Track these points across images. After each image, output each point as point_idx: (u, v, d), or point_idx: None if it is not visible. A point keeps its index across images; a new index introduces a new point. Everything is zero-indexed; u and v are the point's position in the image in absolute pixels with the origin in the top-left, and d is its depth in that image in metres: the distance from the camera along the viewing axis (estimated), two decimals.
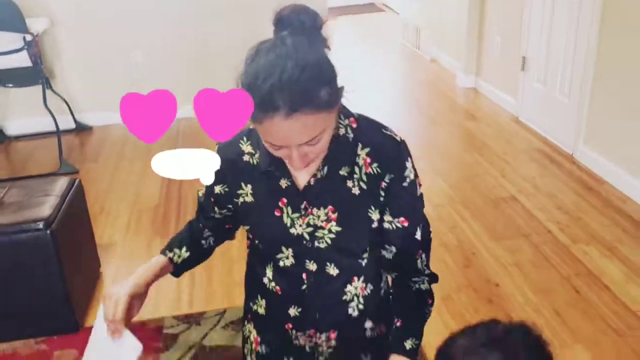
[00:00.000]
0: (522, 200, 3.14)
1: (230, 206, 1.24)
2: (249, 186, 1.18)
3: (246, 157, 1.18)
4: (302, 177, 1.15)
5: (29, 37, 3.80)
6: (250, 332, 1.35)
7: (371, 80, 5.22)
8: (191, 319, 2.42)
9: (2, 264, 2.25)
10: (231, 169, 1.18)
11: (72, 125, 4.50)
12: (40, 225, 2.22)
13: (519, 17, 4.09)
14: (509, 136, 4.00)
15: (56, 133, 4.11)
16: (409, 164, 1.15)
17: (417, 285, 1.21)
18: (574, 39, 3.50)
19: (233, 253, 2.72)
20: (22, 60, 3.86)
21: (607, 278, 2.47)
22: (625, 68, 3.08)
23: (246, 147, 1.18)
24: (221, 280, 2.63)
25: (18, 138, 4.43)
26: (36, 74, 3.99)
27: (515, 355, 0.88)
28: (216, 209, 1.26)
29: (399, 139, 1.15)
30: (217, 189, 1.22)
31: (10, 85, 4.12)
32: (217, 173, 1.11)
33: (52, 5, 4.16)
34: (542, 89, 3.92)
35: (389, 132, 1.16)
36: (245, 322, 1.36)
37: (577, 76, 3.49)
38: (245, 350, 1.37)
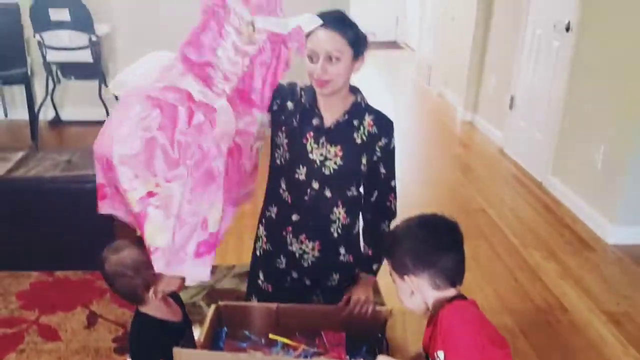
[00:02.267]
0: (489, 212, 3.74)
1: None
2: (298, 116, 1.71)
3: (298, 96, 1.72)
4: (329, 119, 1.69)
5: (94, 38, 4.53)
6: (262, 233, 1.89)
7: (385, 108, 5.86)
8: None
9: (69, 207, 2.89)
10: (290, 98, 1.72)
11: None
12: None
13: (511, 61, 4.73)
14: (492, 163, 4.62)
15: (105, 121, 4.80)
16: (394, 135, 1.74)
17: (383, 227, 1.79)
18: (550, 84, 4.12)
19: (245, 222, 3.34)
20: (86, 56, 4.58)
21: (542, 273, 3.05)
22: (585, 115, 3.69)
23: (299, 92, 1.73)
24: (234, 242, 3.24)
25: (70, 123, 5.14)
26: (95, 70, 4.71)
27: (435, 228, 1.35)
28: (273, 103, 1.70)
29: (392, 120, 1.75)
30: (278, 101, 1.72)
31: (72, 77, 4.85)
32: (280, 92, 1.70)
33: (114, 14, 4.87)
34: (524, 126, 4.53)
35: (386, 114, 1.76)
36: (260, 225, 1.91)
37: (551, 117, 4.11)
38: (257, 247, 1.92)
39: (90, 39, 4.51)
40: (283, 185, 1.77)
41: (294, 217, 1.78)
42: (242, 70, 1.50)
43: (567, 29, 3.86)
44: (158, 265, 1.37)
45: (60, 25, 4.39)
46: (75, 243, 2.96)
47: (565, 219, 3.66)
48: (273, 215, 1.84)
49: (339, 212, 1.76)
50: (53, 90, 4.95)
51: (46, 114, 5.12)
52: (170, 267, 1.38)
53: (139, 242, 1.39)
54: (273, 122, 1.76)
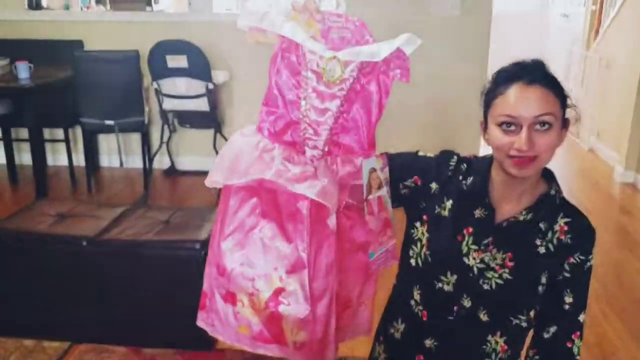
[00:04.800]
0: None
1: (412, 201, 1.31)
2: (450, 202, 1.27)
3: (460, 177, 1.29)
4: (503, 213, 1.24)
5: (210, 86, 4.29)
6: (379, 354, 1.41)
7: None
8: None
9: (160, 275, 2.53)
10: (435, 176, 1.29)
11: None
12: (197, 245, 2.49)
13: None
14: None
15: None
16: (593, 251, 1.23)
17: None
18: None
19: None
20: (202, 105, 4.35)
21: None
22: None
23: (457, 166, 1.30)
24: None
25: (185, 173, 4.93)
26: (211, 119, 4.47)
27: None
28: (400, 185, 1.33)
29: (594, 227, 1.24)
30: (410, 181, 1.31)
31: (188, 125, 4.65)
32: (413, 168, 1.29)
33: (232, 62, 4.62)
34: None
35: (588, 218, 1.25)
36: (376, 344, 1.43)
37: None
38: None
39: (207, 87, 4.28)
40: (416, 296, 1.31)
41: (429, 343, 1.30)
42: (334, 116, 1.16)
43: None
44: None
45: (177, 72, 4.21)
46: (166, 317, 2.60)
47: None
48: (397, 335, 1.35)
49: (496, 342, 1.28)
50: (169, 139, 4.78)
51: (162, 163, 4.96)
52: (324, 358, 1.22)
53: None
54: (407, 208, 1.32)
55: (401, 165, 1.32)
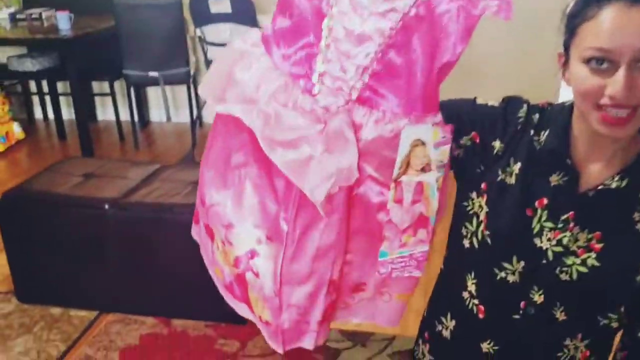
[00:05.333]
0: None
1: (470, 160, 1.02)
2: (518, 164, 0.98)
3: (532, 131, 0.99)
4: (588, 180, 0.95)
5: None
6: (423, 355, 1.18)
7: None
8: (357, 338, 2.26)
9: (188, 242, 2.29)
10: (500, 132, 1.00)
11: None
12: None
13: None
14: None
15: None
16: None
17: None
18: None
19: None
20: None
21: None
22: None
23: (526, 118, 1.00)
24: None
25: None
26: None
27: None
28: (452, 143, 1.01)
29: None
30: (466, 139, 1.02)
31: None
32: (489, 123, 1.00)
33: None
34: None
35: None
36: (420, 341, 1.19)
37: None
38: None
39: None
40: (471, 287, 1.05)
41: (487, 346, 1.05)
42: (377, 50, 0.81)
43: None
44: (274, 343, 1.00)
45: (220, 17, 3.92)
46: (196, 287, 2.38)
47: None
48: (446, 333, 1.12)
49: (576, 348, 1.02)
50: None
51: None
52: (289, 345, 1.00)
53: None
54: (459, 174, 1.05)
55: (455, 117, 1.00)
